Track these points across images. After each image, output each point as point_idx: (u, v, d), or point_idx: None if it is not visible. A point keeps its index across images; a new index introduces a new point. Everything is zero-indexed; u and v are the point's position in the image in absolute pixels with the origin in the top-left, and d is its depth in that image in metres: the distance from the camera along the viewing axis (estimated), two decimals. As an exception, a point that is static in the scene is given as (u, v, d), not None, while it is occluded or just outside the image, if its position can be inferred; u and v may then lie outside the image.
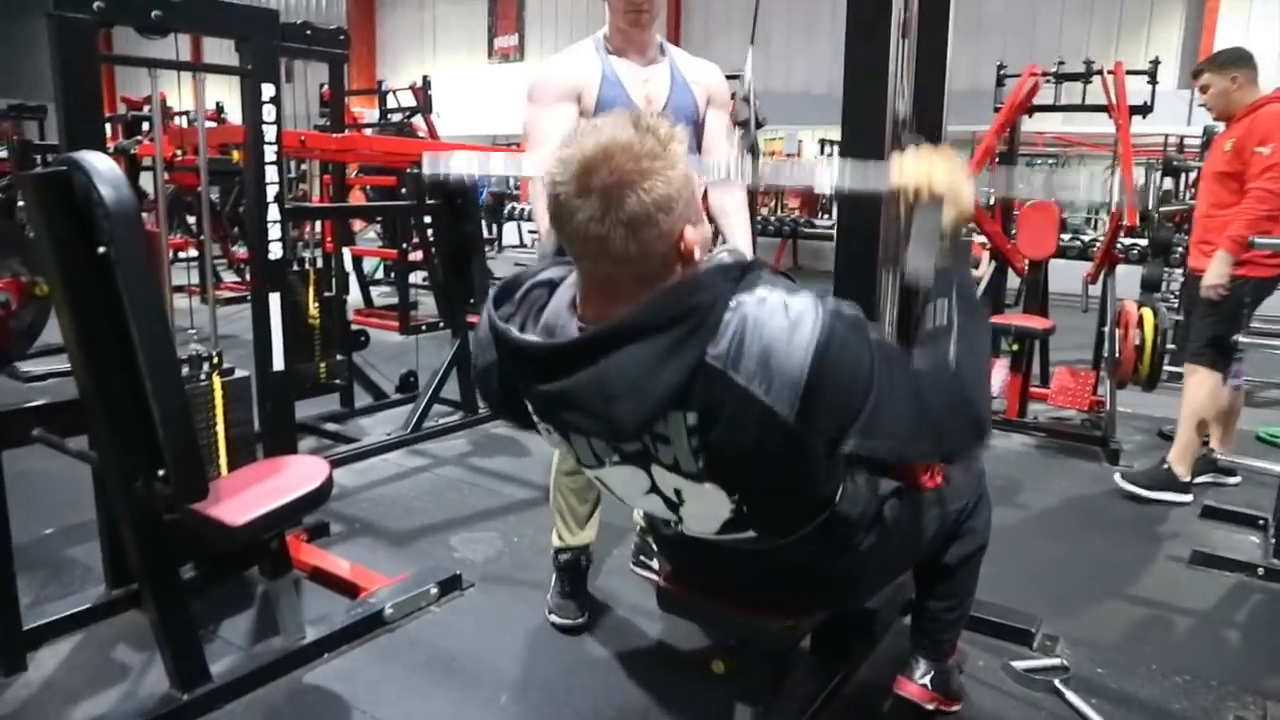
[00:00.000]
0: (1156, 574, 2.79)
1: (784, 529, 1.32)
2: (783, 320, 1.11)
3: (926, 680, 1.76)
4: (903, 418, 1.19)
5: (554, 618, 2.33)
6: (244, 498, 1.85)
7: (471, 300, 4.07)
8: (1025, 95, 4.24)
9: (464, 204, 3.89)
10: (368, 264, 7.29)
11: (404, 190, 7.25)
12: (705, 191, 2.14)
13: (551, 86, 2.17)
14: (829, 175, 1.37)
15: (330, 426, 3.95)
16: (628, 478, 1.30)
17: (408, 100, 7.98)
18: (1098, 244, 5.72)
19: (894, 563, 1.50)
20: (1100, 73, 4.26)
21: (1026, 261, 4.41)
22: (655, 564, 2.60)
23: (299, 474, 1.97)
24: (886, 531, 1.45)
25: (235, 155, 6.13)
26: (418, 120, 7.49)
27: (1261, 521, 3.06)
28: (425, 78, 7.70)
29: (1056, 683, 2.07)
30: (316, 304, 3.82)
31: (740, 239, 2.29)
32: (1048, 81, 4.41)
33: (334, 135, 3.99)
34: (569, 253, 1.17)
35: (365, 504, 3.15)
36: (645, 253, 1.10)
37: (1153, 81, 4.33)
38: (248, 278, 5.87)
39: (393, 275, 7.66)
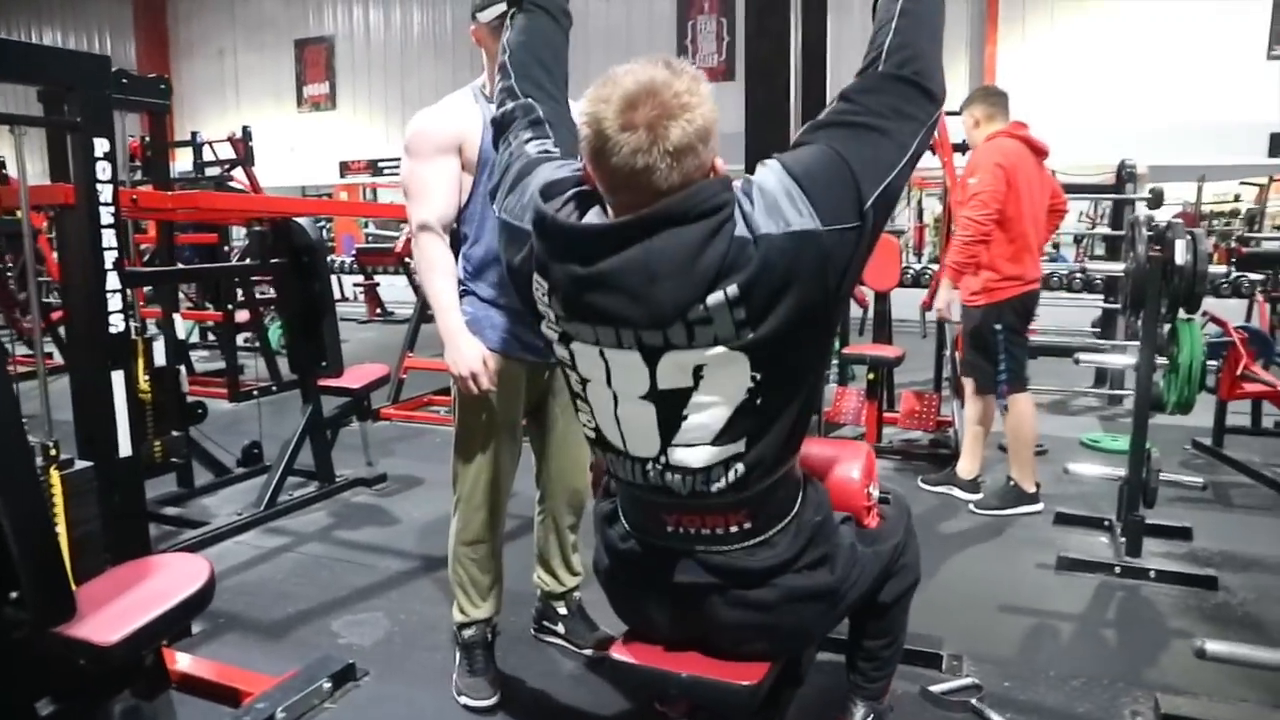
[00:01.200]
0: (1030, 582, 2.95)
1: (783, 406, 1.30)
2: (759, 173, 1.24)
3: (868, 722, 1.75)
4: (879, 145, 1.25)
5: (464, 699, 2.17)
6: (113, 610, 1.60)
7: (323, 363, 3.81)
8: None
9: (311, 261, 3.63)
10: (182, 328, 6.75)
11: (227, 248, 6.87)
12: None
13: (432, 139, 2.07)
14: None
15: (171, 510, 3.56)
16: (628, 377, 1.28)
17: (224, 152, 7.48)
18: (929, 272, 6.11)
19: (847, 590, 1.49)
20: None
21: (872, 294, 4.64)
22: (560, 628, 2.50)
23: (175, 575, 1.73)
24: (841, 553, 1.48)
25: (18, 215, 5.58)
26: (237, 173, 7.03)
27: (1106, 523, 3.31)
28: (245, 128, 7.26)
29: (974, 702, 2.13)
30: (147, 377, 3.47)
31: None
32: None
33: (170, 193, 3.65)
34: (607, 187, 1.22)
35: (227, 594, 2.83)
36: (686, 182, 1.18)
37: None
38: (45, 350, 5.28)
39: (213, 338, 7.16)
